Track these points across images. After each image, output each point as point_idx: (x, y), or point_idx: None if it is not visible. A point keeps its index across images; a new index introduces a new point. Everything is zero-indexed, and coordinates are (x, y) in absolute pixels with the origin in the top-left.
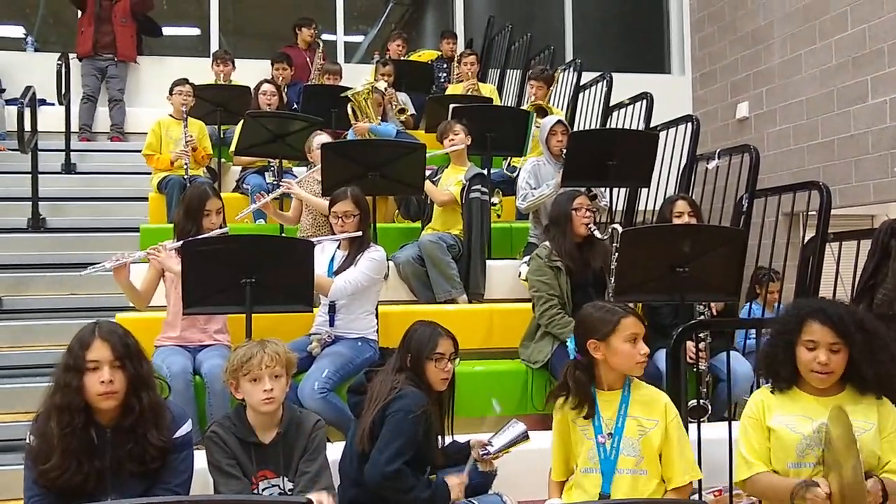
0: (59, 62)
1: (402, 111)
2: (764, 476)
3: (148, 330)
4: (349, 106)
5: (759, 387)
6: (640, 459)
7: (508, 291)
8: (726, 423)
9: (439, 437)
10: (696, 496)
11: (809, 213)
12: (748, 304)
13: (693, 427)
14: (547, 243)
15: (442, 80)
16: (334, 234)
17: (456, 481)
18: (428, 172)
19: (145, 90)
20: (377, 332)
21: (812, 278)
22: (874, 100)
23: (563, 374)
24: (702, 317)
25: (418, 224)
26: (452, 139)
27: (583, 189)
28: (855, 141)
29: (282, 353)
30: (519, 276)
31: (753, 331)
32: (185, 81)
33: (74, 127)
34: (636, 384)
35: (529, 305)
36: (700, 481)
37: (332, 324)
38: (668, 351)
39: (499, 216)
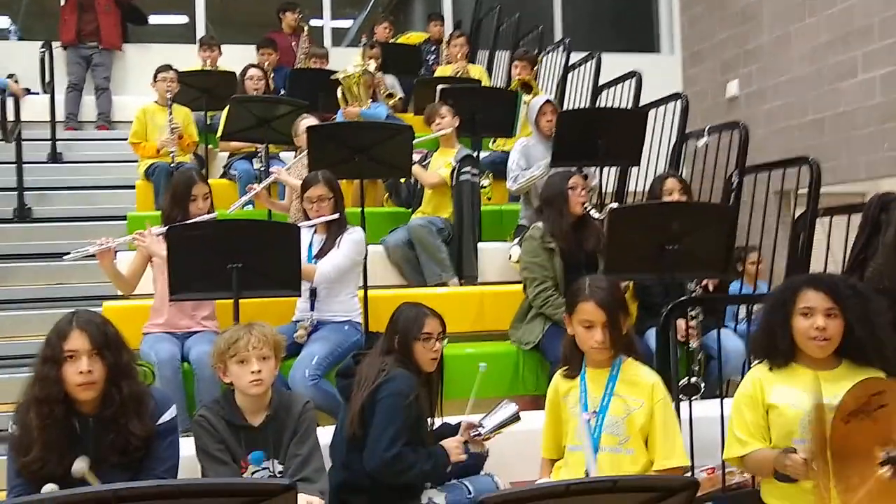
0: (43, 50)
1: (390, 96)
2: (757, 453)
3: (136, 318)
4: (339, 89)
5: (750, 366)
6: (624, 439)
7: (499, 274)
8: (718, 401)
9: (429, 419)
10: (687, 475)
11: (799, 190)
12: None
13: (685, 405)
14: (540, 224)
15: (430, 62)
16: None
17: (453, 444)
18: (418, 157)
19: (131, 78)
20: (361, 314)
21: (803, 254)
22: (864, 76)
23: (564, 345)
24: (693, 294)
25: (408, 209)
26: (439, 123)
27: (574, 169)
28: (845, 118)
29: (269, 334)
30: (510, 258)
31: (744, 317)
32: (168, 68)
33: (59, 116)
34: (628, 363)
35: (520, 287)
36: (693, 458)
37: (312, 308)
38: (657, 329)
39: (489, 199)
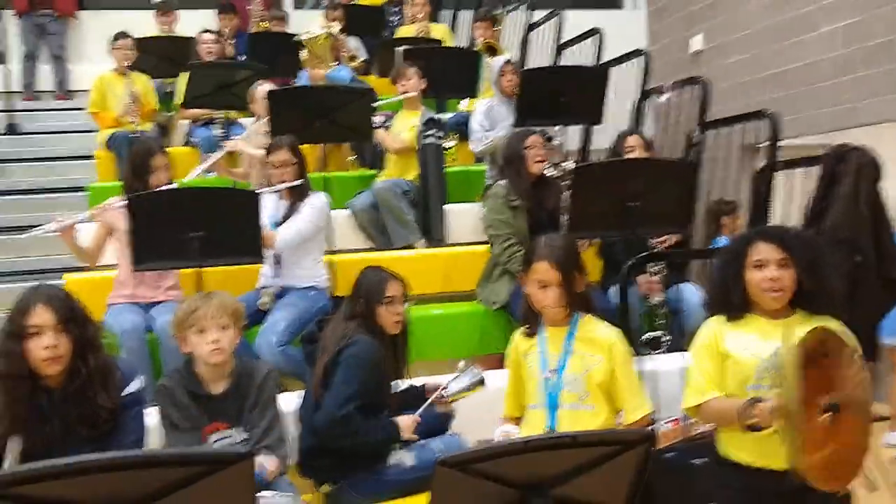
0: None
1: (353, 58)
2: (715, 401)
3: (99, 289)
4: (304, 51)
5: None
6: (584, 395)
7: (466, 235)
8: (681, 354)
9: (394, 382)
10: (650, 427)
11: (762, 143)
12: (715, 239)
13: (648, 359)
14: (503, 182)
15: (394, 23)
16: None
17: (407, 421)
18: (381, 119)
19: (88, 46)
20: (327, 279)
21: (763, 207)
22: (825, 28)
23: (523, 304)
24: (654, 250)
25: (374, 172)
26: (405, 85)
27: (537, 129)
28: (807, 70)
29: (227, 303)
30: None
31: None
32: (124, 35)
33: (15, 86)
34: (586, 320)
35: (488, 248)
36: (654, 411)
37: (276, 275)
38: (619, 285)
39: (454, 160)
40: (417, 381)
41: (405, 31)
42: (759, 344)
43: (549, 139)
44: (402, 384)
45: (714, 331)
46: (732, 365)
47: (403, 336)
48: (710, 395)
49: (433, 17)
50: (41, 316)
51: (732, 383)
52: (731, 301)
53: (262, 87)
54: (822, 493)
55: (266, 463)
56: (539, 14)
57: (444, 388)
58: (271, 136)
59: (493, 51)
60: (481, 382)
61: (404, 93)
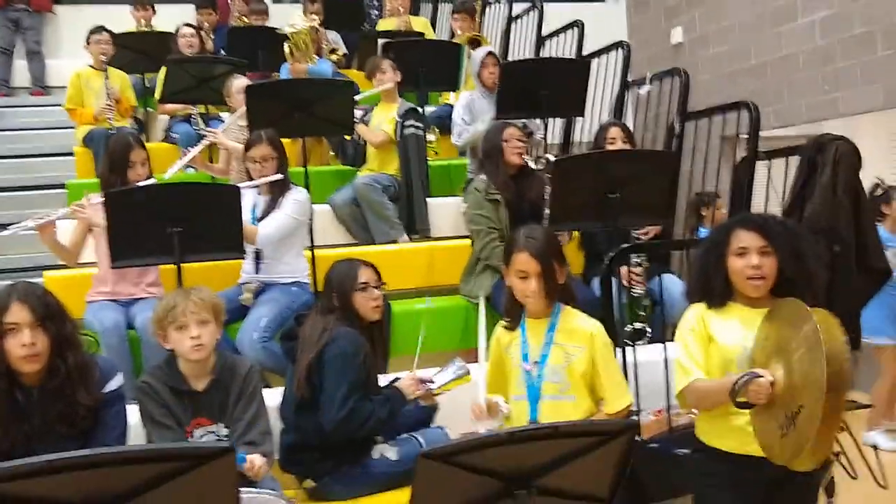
0: None
1: (333, 51)
2: (700, 382)
3: (78, 287)
4: (286, 45)
5: None
6: (565, 386)
7: (449, 229)
8: (663, 344)
9: (378, 377)
10: (633, 418)
11: (742, 134)
12: (696, 230)
13: (630, 350)
14: (483, 177)
15: (374, 16)
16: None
17: (406, 382)
18: (360, 113)
19: (65, 41)
20: (308, 274)
21: (744, 198)
22: (804, 19)
23: (505, 297)
24: (636, 241)
25: (354, 168)
26: (381, 78)
27: (519, 122)
28: (787, 61)
29: (207, 298)
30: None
31: None
32: (101, 29)
33: None
34: (566, 312)
35: (470, 241)
36: (638, 402)
37: (258, 270)
38: (602, 277)
39: (436, 153)
40: (402, 375)
41: (386, 25)
42: (741, 332)
43: (531, 133)
44: (385, 379)
45: (699, 315)
46: (716, 352)
47: (383, 325)
48: (696, 375)
49: (413, 10)
50: (18, 314)
51: (715, 370)
52: (713, 289)
53: (239, 81)
54: (804, 478)
55: (256, 460)
56: (519, 7)
57: (430, 381)
58: (249, 130)
59: (475, 43)
60: (466, 375)
61: (381, 86)
